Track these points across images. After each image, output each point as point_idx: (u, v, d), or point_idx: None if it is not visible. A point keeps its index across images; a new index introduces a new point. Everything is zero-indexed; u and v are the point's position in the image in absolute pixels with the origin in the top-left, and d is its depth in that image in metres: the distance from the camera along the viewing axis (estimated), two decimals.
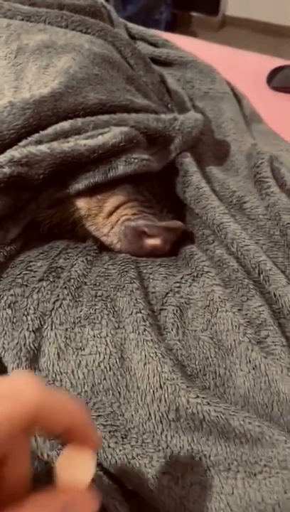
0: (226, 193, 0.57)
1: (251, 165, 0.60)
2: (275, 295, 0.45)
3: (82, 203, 0.53)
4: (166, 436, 0.39)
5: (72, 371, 0.41)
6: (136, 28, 0.84)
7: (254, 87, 0.92)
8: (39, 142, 0.52)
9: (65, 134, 0.54)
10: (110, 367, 0.41)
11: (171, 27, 2.94)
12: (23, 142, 0.52)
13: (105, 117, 0.55)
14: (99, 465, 0.39)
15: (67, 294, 0.44)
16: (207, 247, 0.51)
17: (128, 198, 0.54)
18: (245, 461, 0.38)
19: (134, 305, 0.44)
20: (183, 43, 0.88)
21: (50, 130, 0.53)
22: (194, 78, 0.76)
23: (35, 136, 0.53)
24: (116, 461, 0.39)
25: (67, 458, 0.26)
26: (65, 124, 0.53)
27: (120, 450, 0.39)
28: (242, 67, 1.00)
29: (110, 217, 0.53)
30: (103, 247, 0.53)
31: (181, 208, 0.59)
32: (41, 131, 0.53)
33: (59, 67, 0.58)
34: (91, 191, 0.53)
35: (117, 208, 0.53)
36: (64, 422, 0.25)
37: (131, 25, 0.83)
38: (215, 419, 0.38)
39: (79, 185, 0.52)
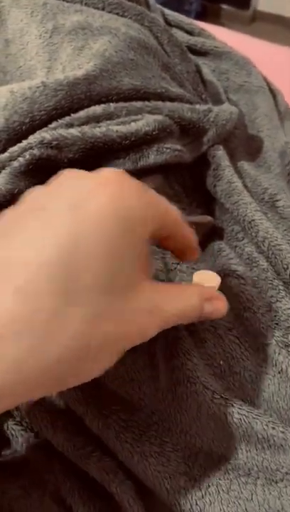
0: (258, 190, 0.55)
1: (285, 163, 0.58)
2: None
3: None
4: (185, 435, 0.38)
5: None
6: (173, 15, 0.82)
7: (287, 83, 0.89)
8: (70, 125, 0.51)
9: (97, 119, 0.52)
10: None
11: (201, 18, 2.90)
12: (54, 124, 0.51)
13: (139, 104, 0.53)
14: (116, 459, 0.38)
15: None
16: (236, 243, 0.50)
17: (157, 190, 0.52)
18: (266, 468, 0.37)
19: None
20: (215, 33, 0.86)
21: (81, 113, 0.52)
22: (229, 70, 0.74)
23: (66, 119, 0.51)
24: (132, 457, 0.38)
25: (199, 275, 0.40)
26: (97, 109, 0.52)
27: (138, 447, 0.38)
28: (276, 62, 0.98)
29: None
30: None
31: (211, 202, 0.57)
32: (72, 114, 0.52)
33: (94, 49, 0.56)
34: None
35: None
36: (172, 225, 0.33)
37: (167, 11, 0.81)
38: (237, 422, 0.37)
39: None
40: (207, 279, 0.45)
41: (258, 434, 0.37)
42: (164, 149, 0.51)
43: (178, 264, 0.47)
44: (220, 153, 0.57)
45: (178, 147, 0.52)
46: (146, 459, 0.38)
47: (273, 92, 0.75)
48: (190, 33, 0.78)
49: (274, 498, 0.36)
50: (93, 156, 0.51)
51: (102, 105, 0.52)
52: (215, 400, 0.37)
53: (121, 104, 0.53)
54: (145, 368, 0.40)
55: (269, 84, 0.76)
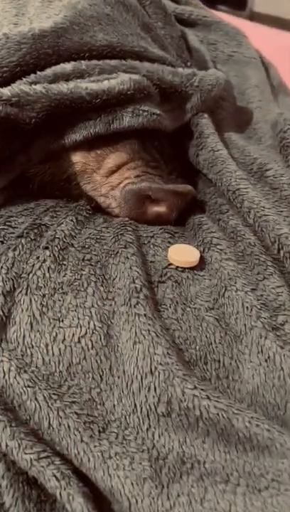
0: (246, 160, 0.49)
1: (277, 131, 0.53)
2: None
3: (78, 157, 0.46)
4: (153, 433, 0.32)
5: (47, 346, 0.34)
6: None
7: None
8: (35, 84, 0.45)
9: (66, 77, 0.46)
10: (93, 344, 0.34)
11: None
12: (17, 83, 0.45)
13: (114, 62, 0.48)
14: (69, 462, 0.32)
15: (49, 255, 0.37)
16: (219, 216, 0.44)
17: (132, 157, 0.46)
18: (248, 473, 0.31)
19: (128, 274, 0.37)
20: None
21: (48, 71, 0.46)
22: (218, 41, 0.69)
23: (31, 77, 0.46)
24: (89, 459, 0.31)
25: (175, 249, 0.40)
26: (67, 66, 0.46)
27: (95, 446, 0.32)
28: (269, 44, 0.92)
29: (110, 177, 0.45)
30: (98, 209, 0.46)
31: (193, 174, 0.51)
32: (39, 72, 0.46)
33: (66, 1, 0.50)
34: (90, 145, 0.46)
35: (119, 167, 0.45)
36: None
37: None
38: (214, 418, 0.31)
39: (77, 135, 0.44)
40: (184, 253, 0.39)
41: (239, 432, 0.31)
42: (140, 112, 0.45)
43: (152, 237, 0.41)
44: (204, 121, 0.51)
45: (157, 111, 0.47)
46: (105, 460, 0.31)
47: (265, 65, 0.69)
48: (176, 1, 0.72)
49: (256, 510, 0.30)
50: (60, 117, 0.45)
51: (72, 62, 0.46)
52: (187, 390, 0.31)
53: (94, 61, 0.47)
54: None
55: (261, 56, 0.70)
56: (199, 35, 0.69)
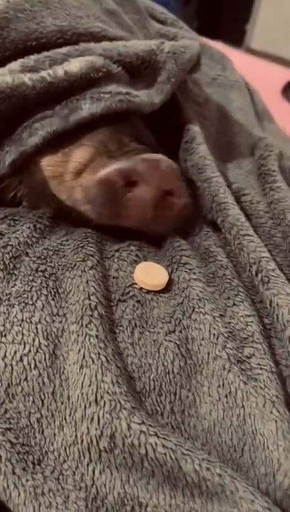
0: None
1: (257, 157, 0.50)
2: (271, 304, 0.35)
3: (45, 161, 0.41)
4: (93, 470, 0.29)
5: None
6: (145, 2, 0.71)
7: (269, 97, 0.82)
8: None
9: None
10: (36, 364, 0.31)
11: None
12: None
13: (65, 49, 0.42)
14: None
15: None
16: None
17: (99, 150, 0.40)
18: None
19: (83, 288, 0.33)
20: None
21: None
22: (203, 63, 0.65)
23: None
24: (19, 494, 0.28)
25: (143, 268, 0.36)
26: (13, 65, 0.40)
27: (27, 480, 0.28)
28: (261, 77, 0.91)
29: (80, 178, 0.40)
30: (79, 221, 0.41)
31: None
32: None
33: None
34: (55, 145, 0.40)
35: (87, 164, 0.39)
36: None
37: None
38: (161, 458, 0.28)
39: (36, 138, 0.39)
40: (152, 274, 0.36)
41: (187, 476, 0.28)
42: (100, 95, 0.39)
43: (117, 251, 0.38)
44: (197, 129, 0.48)
45: (123, 90, 0.41)
46: (37, 497, 0.28)
47: (250, 91, 0.67)
48: (162, 22, 0.69)
49: None
50: (13, 121, 0.40)
51: (19, 60, 0.41)
52: (133, 425, 0.28)
53: (43, 54, 0.41)
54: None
55: (246, 83, 0.68)
56: None
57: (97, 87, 0.39)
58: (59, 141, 0.40)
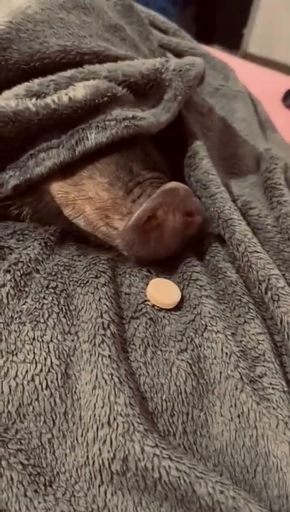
0: (229, 196, 0.46)
1: (263, 169, 0.50)
2: (281, 322, 0.35)
3: (54, 187, 0.40)
4: (105, 491, 0.29)
5: None
6: (147, 12, 0.71)
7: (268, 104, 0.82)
8: None
9: None
10: (48, 383, 0.30)
11: None
12: None
13: (69, 73, 0.41)
14: None
15: (10, 280, 0.34)
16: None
17: (113, 182, 0.39)
18: None
19: (96, 306, 0.33)
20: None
21: None
22: (205, 73, 0.65)
23: None
24: None
25: (155, 285, 0.36)
26: (18, 90, 0.39)
27: (39, 502, 0.28)
28: (261, 85, 0.91)
29: (106, 219, 0.39)
30: (78, 237, 0.41)
31: None
32: None
33: (15, 6, 0.44)
34: (62, 170, 0.39)
35: (105, 201, 0.38)
36: None
37: (140, 7, 0.69)
38: (174, 482, 0.27)
39: (42, 168, 0.38)
40: (165, 291, 0.36)
41: (201, 499, 0.27)
42: (106, 123, 0.39)
43: (128, 267, 0.38)
44: (199, 143, 0.47)
45: (129, 114, 0.40)
46: None
47: (253, 101, 0.67)
48: (164, 31, 0.69)
49: None
50: (17, 138, 0.38)
51: (25, 84, 0.40)
52: (147, 448, 0.28)
53: (48, 78, 0.41)
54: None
55: (249, 93, 0.68)
56: None
57: (102, 113, 0.39)
58: (66, 167, 0.39)
